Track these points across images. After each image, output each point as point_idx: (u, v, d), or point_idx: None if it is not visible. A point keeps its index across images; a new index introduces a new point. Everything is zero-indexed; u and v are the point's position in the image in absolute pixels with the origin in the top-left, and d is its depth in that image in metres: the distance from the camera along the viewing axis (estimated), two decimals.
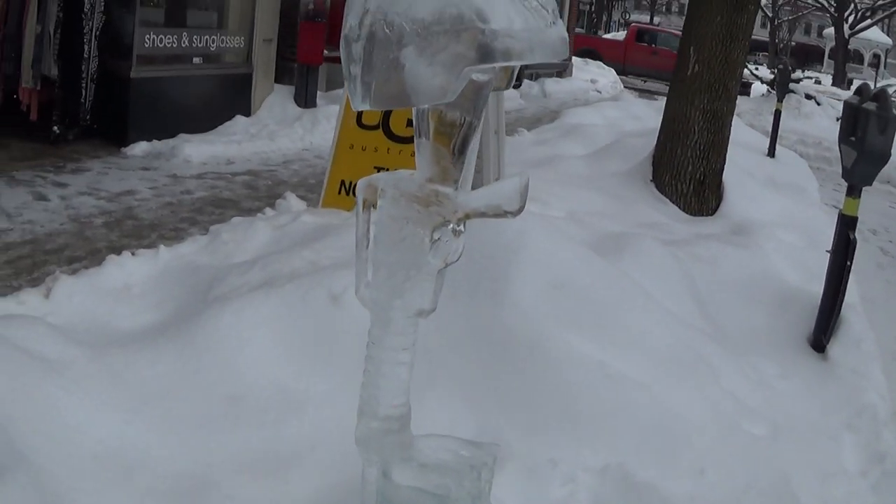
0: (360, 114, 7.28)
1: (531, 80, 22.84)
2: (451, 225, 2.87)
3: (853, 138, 5.81)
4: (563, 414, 4.18)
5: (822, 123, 20.68)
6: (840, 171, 6.14)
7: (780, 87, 15.26)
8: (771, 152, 13.04)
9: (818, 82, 39.47)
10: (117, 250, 6.10)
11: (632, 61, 32.96)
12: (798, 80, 23.34)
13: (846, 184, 5.99)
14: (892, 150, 5.76)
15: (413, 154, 2.97)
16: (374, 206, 2.97)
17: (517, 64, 2.79)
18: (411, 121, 3.00)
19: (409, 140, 6.37)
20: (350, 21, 2.58)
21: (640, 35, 34.96)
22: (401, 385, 3.10)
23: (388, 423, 3.11)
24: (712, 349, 5.07)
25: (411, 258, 2.91)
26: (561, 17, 3.08)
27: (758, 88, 28.99)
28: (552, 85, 23.06)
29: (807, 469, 4.36)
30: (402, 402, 3.13)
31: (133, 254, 5.89)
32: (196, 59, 11.46)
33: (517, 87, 20.80)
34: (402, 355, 3.06)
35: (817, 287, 6.15)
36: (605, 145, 11.80)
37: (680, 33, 11.00)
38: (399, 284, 2.95)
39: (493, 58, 2.54)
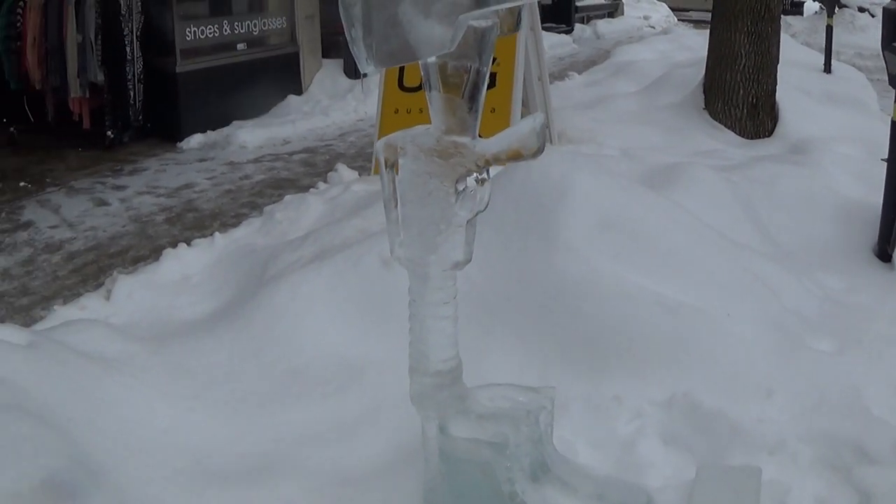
0: (400, 77, 7.26)
1: (583, 23, 22.63)
2: (475, 174, 2.88)
3: None
4: (624, 350, 4.15)
5: (878, 35, 20.17)
6: None
7: (829, 2, 14.87)
8: (827, 68, 12.73)
9: None
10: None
11: None
12: None
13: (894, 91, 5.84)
14: None
15: None
16: (397, 165, 2.99)
17: (517, 4, 2.78)
18: None
19: None
20: None
21: None
22: (447, 339, 3.12)
23: (439, 377, 3.14)
24: (771, 269, 4.98)
25: (439, 212, 2.93)
26: None
27: (810, 7, 28.33)
28: (604, 26, 22.77)
29: (878, 381, 4.21)
30: (452, 356, 3.15)
31: (189, 244, 5.96)
32: (240, 46, 11.48)
33: (569, 32, 20.63)
34: (444, 309, 3.08)
35: (880, 198, 6.00)
36: (656, 79, 11.68)
37: None
38: (431, 239, 2.97)
39: (487, 2, 2.54)
